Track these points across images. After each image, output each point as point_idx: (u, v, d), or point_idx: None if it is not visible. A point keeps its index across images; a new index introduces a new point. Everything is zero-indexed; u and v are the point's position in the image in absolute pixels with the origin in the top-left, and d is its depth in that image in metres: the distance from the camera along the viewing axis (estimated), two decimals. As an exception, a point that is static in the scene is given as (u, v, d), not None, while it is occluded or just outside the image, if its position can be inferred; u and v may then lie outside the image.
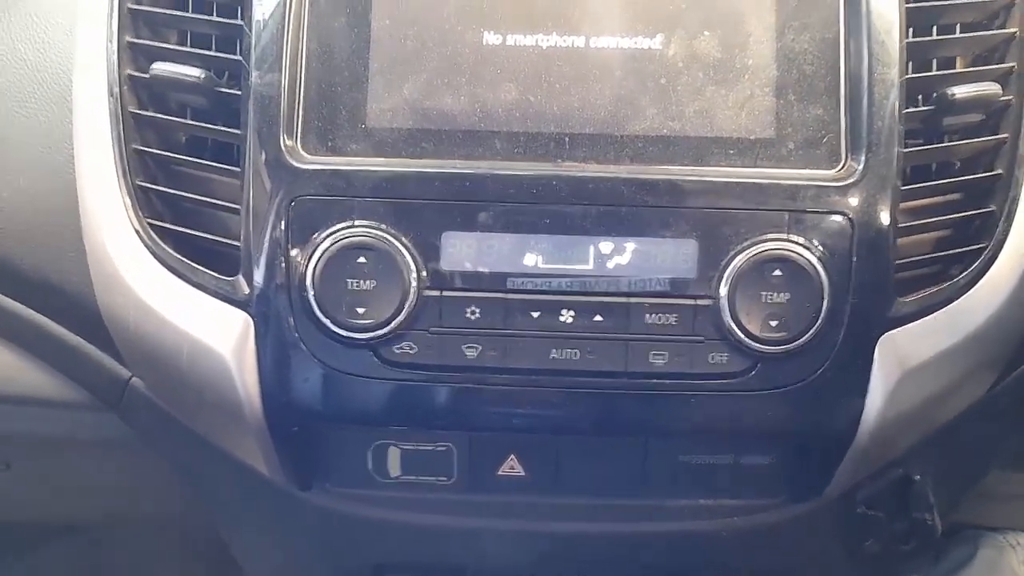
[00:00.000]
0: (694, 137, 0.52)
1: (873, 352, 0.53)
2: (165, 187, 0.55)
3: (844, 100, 0.53)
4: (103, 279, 0.56)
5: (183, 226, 0.55)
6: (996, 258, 0.54)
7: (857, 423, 0.54)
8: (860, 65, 0.52)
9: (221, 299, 0.53)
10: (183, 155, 0.56)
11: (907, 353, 0.53)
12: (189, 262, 0.54)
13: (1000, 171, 0.55)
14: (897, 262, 0.53)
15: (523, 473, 0.59)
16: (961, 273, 0.54)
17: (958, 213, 0.55)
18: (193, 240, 0.55)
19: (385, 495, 0.60)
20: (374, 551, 0.66)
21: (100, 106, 0.55)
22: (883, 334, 0.53)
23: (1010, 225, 0.54)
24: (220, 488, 0.66)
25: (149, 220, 0.55)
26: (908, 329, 0.53)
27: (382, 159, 0.52)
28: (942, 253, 0.55)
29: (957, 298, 0.54)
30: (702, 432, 0.55)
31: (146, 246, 0.54)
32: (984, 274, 0.54)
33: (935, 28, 0.56)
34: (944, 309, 0.54)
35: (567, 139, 0.52)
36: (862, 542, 0.61)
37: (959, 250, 0.55)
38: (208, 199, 0.54)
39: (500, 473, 0.59)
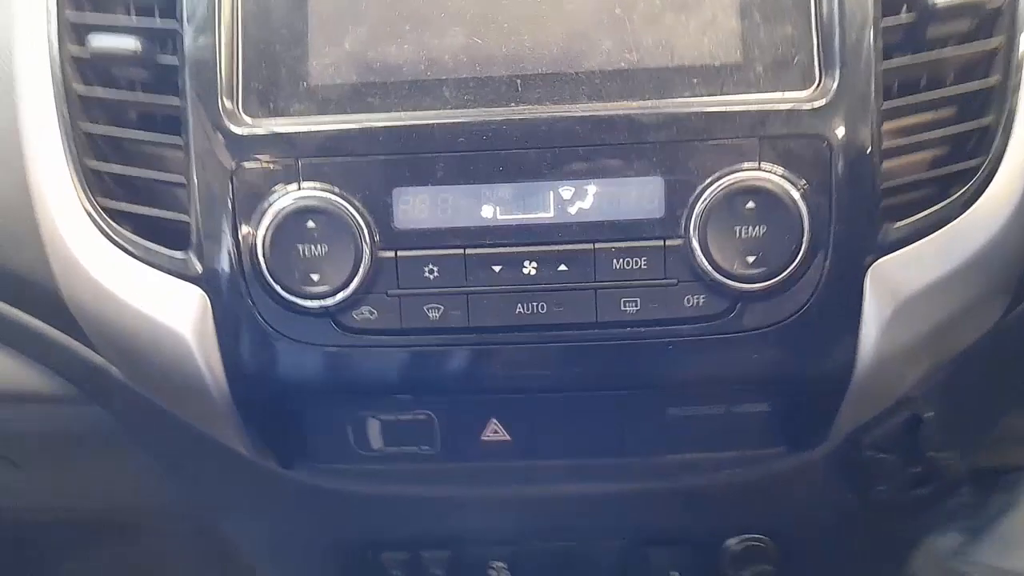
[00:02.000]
0: (654, 68, 0.49)
1: (863, 283, 0.49)
2: (116, 165, 0.54)
3: (815, 15, 0.49)
4: (61, 266, 0.54)
5: (138, 204, 0.53)
6: (994, 175, 0.50)
7: (853, 361, 0.50)
8: None
9: (176, 276, 0.51)
10: (135, 131, 0.54)
11: (901, 281, 0.50)
12: (142, 241, 0.52)
13: (994, 80, 0.51)
14: (886, 185, 0.49)
15: (507, 437, 0.57)
16: (956, 193, 0.50)
17: (951, 128, 0.51)
18: (149, 219, 0.53)
19: (369, 468, 0.59)
20: (364, 526, 0.64)
21: (44, 87, 0.54)
22: (873, 263, 0.49)
23: (1008, 138, 0.50)
24: (205, 473, 0.65)
25: (101, 201, 0.53)
26: (900, 256, 0.49)
27: (326, 117, 0.50)
28: (935, 173, 0.51)
29: (953, 219, 0.50)
30: (684, 382, 0.52)
31: (99, 228, 0.53)
32: (982, 193, 0.50)
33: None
34: (939, 232, 0.50)
35: (519, 81, 0.49)
36: (872, 489, 0.57)
37: (954, 168, 0.51)
38: (156, 174, 0.53)
39: (483, 439, 0.57)
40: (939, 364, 0.55)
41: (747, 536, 0.63)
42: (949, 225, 0.50)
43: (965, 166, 0.50)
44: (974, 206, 0.50)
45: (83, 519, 0.89)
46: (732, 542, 0.64)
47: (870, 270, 0.49)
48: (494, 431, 0.57)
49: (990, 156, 0.50)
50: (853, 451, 0.56)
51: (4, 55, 0.56)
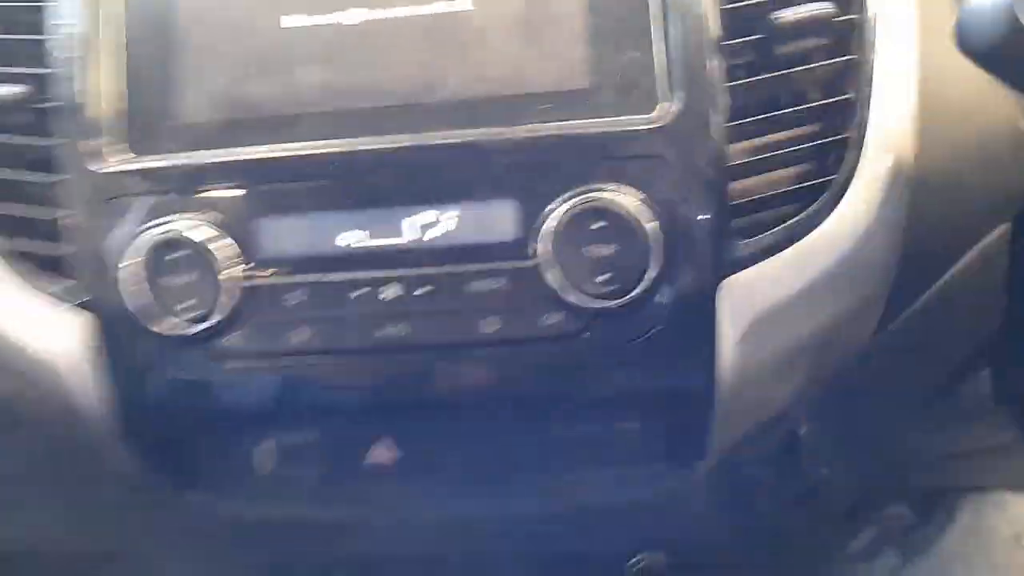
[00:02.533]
0: (504, 96, 0.51)
1: (715, 299, 0.50)
2: (3, 204, 0.55)
3: (656, 40, 0.50)
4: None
5: (30, 239, 0.55)
6: (847, 188, 0.51)
7: (712, 377, 0.51)
8: (668, 1, 0.50)
9: (57, 309, 0.53)
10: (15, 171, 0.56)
11: (755, 297, 0.50)
12: (26, 271, 0.54)
13: (849, 95, 0.52)
14: (737, 202, 0.50)
15: (389, 460, 0.58)
16: (805, 209, 0.51)
17: (806, 145, 0.52)
18: (42, 258, 0.55)
19: (262, 491, 0.59)
20: (264, 550, 0.65)
21: None
22: (723, 279, 0.50)
23: (860, 151, 0.51)
24: (108, 507, 0.66)
25: None
26: (752, 272, 0.50)
27: (188, 153, 0.51)
28: (785, 189, 0.51)
29: (805, 234, 0.50)
30: (546, 399, 0.53)
31: None
32: (835, 207, 0.50)
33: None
34: (791, 248, 0.50)
35: (373, 113, 0.51)
36: (754, 505, 0.57)
37: (803, 184, 0.51)
38: (40, 211, 0.54)
39: (370, 462, 0.58)
40: (814, 379, 0.55)
41: (645, 554, 0.63)
42: (800, 242, 0.50)
43: (817, 182, 0.51)
44: (825, 222, 0.50)
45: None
46: (634, 560, 0.64)
47: (722, 286, 0.50)
48: (380, 453, 0.58)
49: (841, 171, 0.51)
50: (733, 467, 0.56)
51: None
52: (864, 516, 0.87)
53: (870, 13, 0.52)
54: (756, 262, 0.50)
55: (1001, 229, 0.57)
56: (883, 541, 0.88)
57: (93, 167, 0.51)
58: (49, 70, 0.54)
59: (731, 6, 0.51)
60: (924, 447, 0.81)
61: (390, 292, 0.50)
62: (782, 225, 0.51)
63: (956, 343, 0.62)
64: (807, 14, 0.51)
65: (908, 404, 0.62)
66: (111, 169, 0.51)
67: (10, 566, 0.82)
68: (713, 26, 0.50)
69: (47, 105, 0.55)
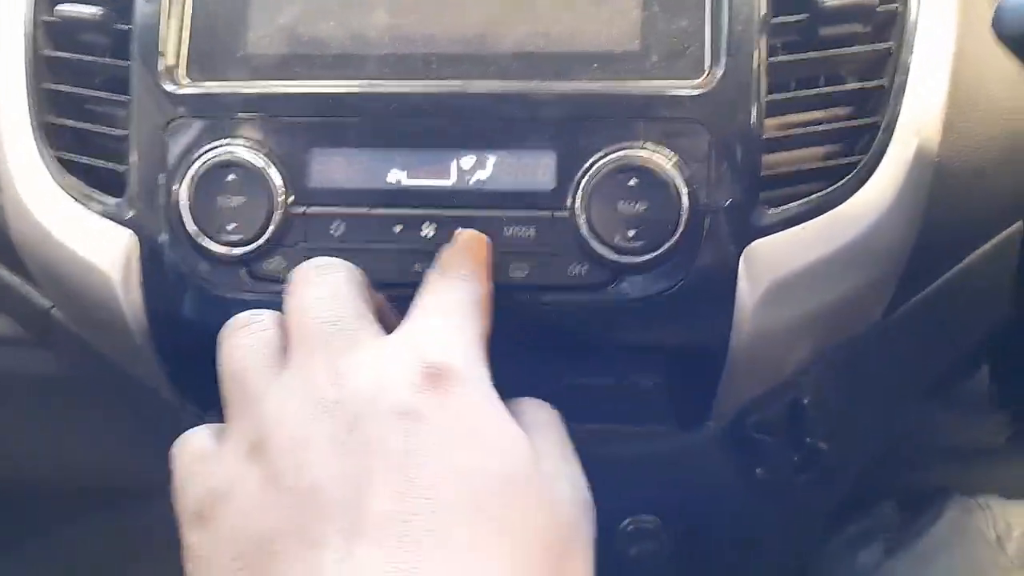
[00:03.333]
0: (559, 53, 0.53)
1: (737, 262, 0.52)
2: (69, 120, 0.58)
3: (709, 12, 0.53)
4: (13, 209, 0.59)
5: (87, 155, 0.58)
6: (874, 171, 0.53)
7: (727, 337, 0.53)
8: None
9: (110, 220, 0.56)
10: (87, 90, 0.59)
11: (775, 263, 0.52)
12: (86, 188, 0.57)
13: (883, 82, 0.54)
14: (767, 174, 0.53)
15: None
16: (832, 186, 0.53)
17: (837, 126, 0.54)
18: (100, 172, 0.58)
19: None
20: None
21: (17, 50, 0.59)
22: (748, 244, 0.52)
23: (890, 137, 0.53)
24: (136, 421, 0.69)
25: (55, 152, 0.58)
26: (775, 238, 0.52)
27: (255, 82, 0.54)
28: (815, 165, 0.54)
29: (828, 209, 0.53)
30: (570, 347, 0.55)
31: (52, 177, 0.58)
32: (858, 189, 0.53)
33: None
34: (813, 221, 0.53)
35: (434, 59, 0.54)
36: (753, 470, 0.60)
37: (833, 163, 0.54)
38: (104, 128, 0.57)
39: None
40: (821, 351, 0.57)
41: (639, 517, 0.66)
42: (823, 216, 0.52)
43: (845, 161, 0.54)
44: (849, 200, 0.53)
45: (58, 483, 0.93)
46: (625, 522, 0.66)
47: (745, 251, 0.52)
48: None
49: (870, 154, 0.53)
50: (736, 431, 0.59)
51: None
52: (850, 512, 0.89)
53: (912, 4, 0.54)
54: (779, 230, 0.52)
55: (1017, 227, 0.60)
56: (868, 537, 0.91)
57: (167, 87, 0.54)
58: None
59: None
60: (916, 442, 0.84)
61: (430, 230, 0.53)
62: (807, 198, 0.53)
63: (959, 336, 0.65)
64: (852, 1, 0.53)
65: (907, 391, 0.65)
66: (182, 91, 0.54)
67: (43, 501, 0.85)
68: (762, 3, 0.52)
69: (119, 27, 0.58)
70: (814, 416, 0.59)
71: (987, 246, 0.59)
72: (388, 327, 0.45)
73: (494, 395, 0.43)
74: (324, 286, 0.45)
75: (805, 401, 0.58)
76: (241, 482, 0.39)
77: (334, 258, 0.48)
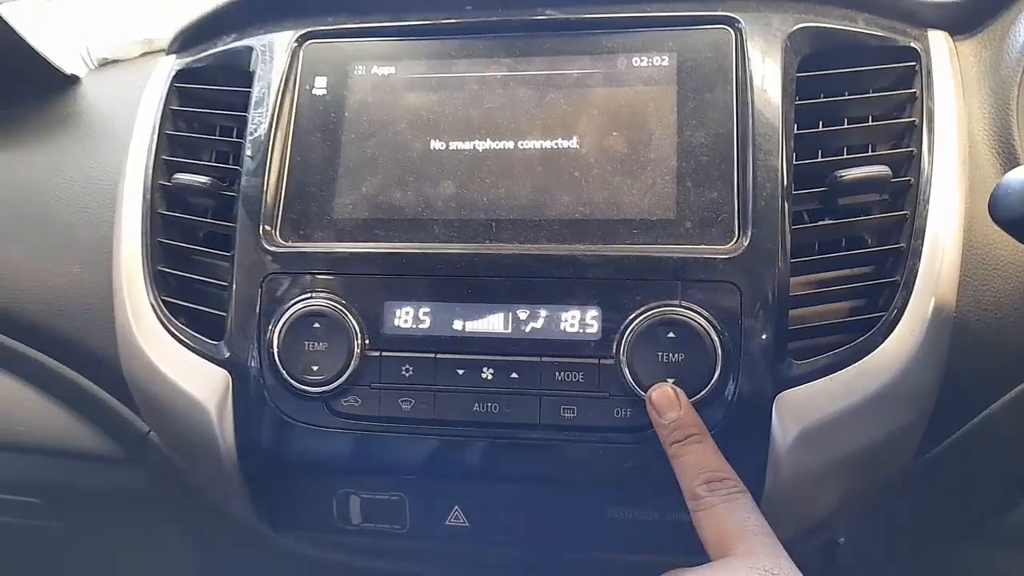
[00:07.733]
0: (602, 220, 0.60)
1: (770, 410, 0.57)
2: (179, 272, 0.68)
3: (737, 186, 0.59)
4: (125, 346, 0.68)
5: (190, 302, 0.67)
6: (896, 325, 0.58)
7: (762, 480, 0.57)
8: (747, 155, 0.59)
9: (209, 360, 0.64)
10: (199, 247, 0.68)
11: (806, 411, 0.57)
12: (189, 331, 0.65)
13: (900, 245, 0.60)
14: (795, 327, 0.58)
15: (467, 524, 0.65)
16: (858, 339, 0.58)
17: (860, 284, 0.60)
18: (198, 315, 0.67)
19: (347, 540, 0.68)
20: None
21: (136, 208, 0.69)
22: (779, 392, 0.57)
23: (909, 293, 0.58)
24: (210, 540, 0.75)
25: (164, 298, 0.67)
26: (806, 388, 0.57)
27: (340, 243, 0.63)
28: (840, 320, 0.59)
29: (855, 361, 0.57)
30: (613, 483, 0.60)
31: (159, 319, 0.66)
32: (884, 340, 0.58)
33: (822, 122, 0.62)
34: (841, 372, 0.57)
35: (494, 224, 0.62)
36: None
37: (857, 318, 0.59)
38: (208, 279, 0.66)
39: (447, 523, 0.66)
40: (854, 494, 0.61)
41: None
42: (850, 367, 0.57)
43: (868, 317, 0.59)
44: (873, 353, 0.57)
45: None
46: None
47: (777, 399, 0.57)
48: (456, 517, 0.66)
49: (892, 309, 0.58)
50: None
51: (114, 182, 0.73)
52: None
53: (924, 176, 0.60)
54: (808, 381, 0.57)
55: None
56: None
57: (267, 246, 0.63)
58: (228, 166, 0.67)
59: (802, 162, 0.60)
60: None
61: (489, 373, 0.59)
62: (834, 351, 0.58)
63: (992, 477, 0.67)
64: (865, 175, 0.60)
65: (942, 531, 0.66)
66: (279, 250, 0.63)
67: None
68: (785, 178, 0.59)
69: (224, 193, 0.67)
70: (849, 557, 0.61)
71: (1011, 394, 0.63)
72: None
73: None
74: None
75: (840, 541, 0.60)
76: None
77: None
